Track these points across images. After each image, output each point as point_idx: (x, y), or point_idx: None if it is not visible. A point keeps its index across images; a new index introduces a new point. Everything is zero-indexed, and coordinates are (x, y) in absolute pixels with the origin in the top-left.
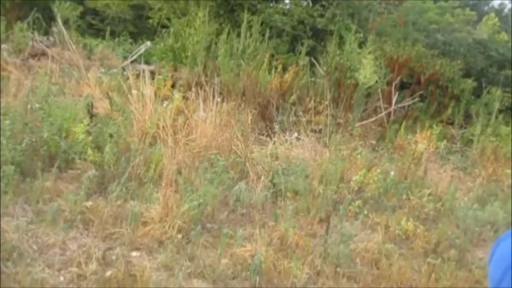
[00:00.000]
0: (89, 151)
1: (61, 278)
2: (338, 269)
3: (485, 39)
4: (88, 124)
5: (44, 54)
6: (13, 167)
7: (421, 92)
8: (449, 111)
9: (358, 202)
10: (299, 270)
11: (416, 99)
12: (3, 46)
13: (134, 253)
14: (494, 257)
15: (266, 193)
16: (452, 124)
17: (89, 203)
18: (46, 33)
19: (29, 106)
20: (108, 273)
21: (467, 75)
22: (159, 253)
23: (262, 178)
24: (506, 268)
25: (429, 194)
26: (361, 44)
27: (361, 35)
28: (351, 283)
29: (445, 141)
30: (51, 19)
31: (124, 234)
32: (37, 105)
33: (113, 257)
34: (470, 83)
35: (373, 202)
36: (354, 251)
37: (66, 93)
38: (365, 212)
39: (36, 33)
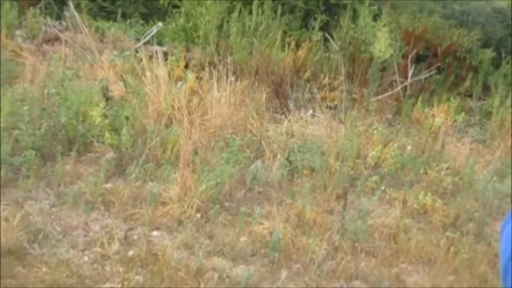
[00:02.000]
0: (107, 134)
1: (86, 258)
2: (356, 244)
3: (504, 8)
4: (104, 107)
5: (57, 38)
6: (33, 151)
7: (438, 64)
8: (467, 83)
9: (375, 178)
10: (317, 246)
11: (433, 72)
12: (17, 32)
13: (154, 233)
14: (505, 231)
15: (283, 171)
16: (470, 96)
17: (108, 185)
18: (59, 17)
19: (45, 91)
20: (131, 253)
21: (485, 45)
22: (179, 232)
23: (278, 156)
24: None
25: (447, 168)
26: (375, 17)
27: (375, 7)
28: (369, 258)
29: (463, 114)
30: (62, 3)
31: (144, 214)
32: (53, 90)
33: (135, 237)
34: (488, 53)
35: (390, 177)
36: (372, 227)
37: (81, 77)
38: (382, 187)
39: (48, 18)
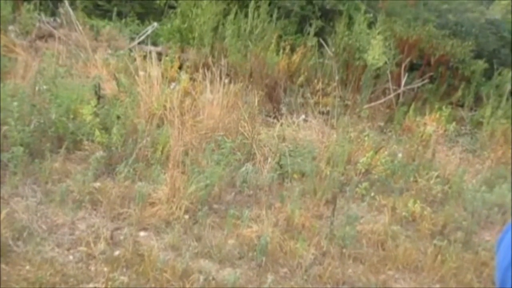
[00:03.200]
0: (97, 133)
1: (70, 257)
2: (344, 250)
3: (498, 19)
4: (96, 106)
5: (51, 35)
6: (22, 148)
7: (431, 73)
8: (459, 93)
9: (365, 184)
10: (305, 251)
11: (426, 81)
12: (10, 27)
13: (142, 233)
14: (503, 242)
15: (273, 175)
16: (462, 106)
17: (97, 184)
18: (53, 14)
19: (37, 88)
20: (117, 253)
21: (478, 56)
22: (167, 233)
23: (269, 159)
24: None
25: (437, 177)
26: (370, 25)
27: (371, 15)
28: (356, 264)
29: (454, 123)
30: (57, 0)
31: (132, 214)
32: (44, 87)
33: (121, 237)
34: (481, 64)
35: (380, 184)
36: (360, 233)
37: (73, 75)
38: (372, 194)
39: (43, 15)
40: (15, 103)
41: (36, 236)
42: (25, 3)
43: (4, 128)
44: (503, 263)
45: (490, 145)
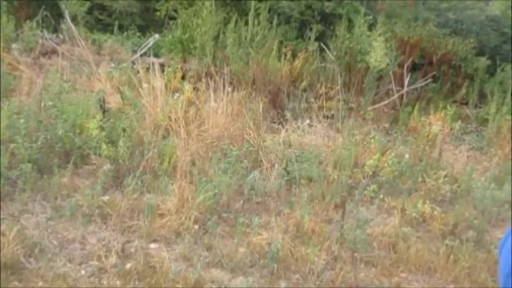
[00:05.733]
0: (104, 146)
1: (83, 272)
2: (355, 254)
3: (498, 16)
4: (101, 120)
5: (54, 51)
6: (30, 164)
7: (434, 72)
8: (463, 91)
9: (373, 187)
10: (316, 256)
11: (429, 80)
12: (13, 45)
13: (152, 245)
14: (504, 248)
15: (280, 181)
16: (466, 104)
17: (106, 197)
18: (55, 30)
19: (42, 104)
20: (128, 266)
21: (480, 53)
22: (177, 244)
23: (276, 166)
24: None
25: (445, 176)
26: (370, 27)
27: (371, 17)
28: (368, 268)
29: (459, 122)
30: (59, 16)
31: (141, 226)
32: (50, 103)
33: (132, 250)
34: (483, 61)
35: (388, 186)
36: (370, 236)
37: (78, 89)
38: (381, 196)
39: (45, 31)
40: (22, 120)
41: (47, 252)
42: (27, 21)
43: (12, 145)
44: (505, 270)
45: (497, 141)
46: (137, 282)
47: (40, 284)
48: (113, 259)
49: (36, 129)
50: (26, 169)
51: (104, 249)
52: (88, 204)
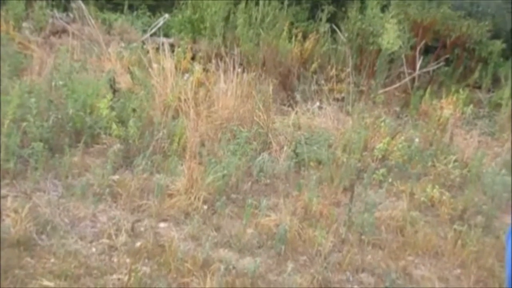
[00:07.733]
0: (114, 126)
1: (93, 249)
2: (363, 237)
3: None
4: (111, 99)
5: (64, 31)
6: (41, 143)
7: (447, 56)
8: (476, 74)
9: (382, 170)
10: (324, 239)
11: (441, 64)
12: (24, 24)
13: (161, 224)
14: (509, 241)
15: (289, 163)
16: (479, 88)
17: (116, 177)
18: (66, 9)
19: (53, 84)
20: (138, 244)
21: (495, 36)
22: (186, 224)
23: (285, 148)
24: None
25: (455, 161)
26: (383, 8)
27: None
28: (376, 250)
29: (471, 106)
30: None
31: (151, 206)
32: (60, 82)
33: (142, 229)
34: (498, 45)
35: (397, 170)
36: (378, 219)
37: (88, 69)
38: (390, 180)
39: (55, 10)
40: (33, 99)
41: (59, 229)
42: (38, 0)
43: (24, 124)
44: (510, 262)
45: (509, 127)
46: (146, 260)
47: (52, 260)
48: (123, 238)
49: (47, 108)
50: (38, 147)
51: (114, 228)
52: (98, 183)
